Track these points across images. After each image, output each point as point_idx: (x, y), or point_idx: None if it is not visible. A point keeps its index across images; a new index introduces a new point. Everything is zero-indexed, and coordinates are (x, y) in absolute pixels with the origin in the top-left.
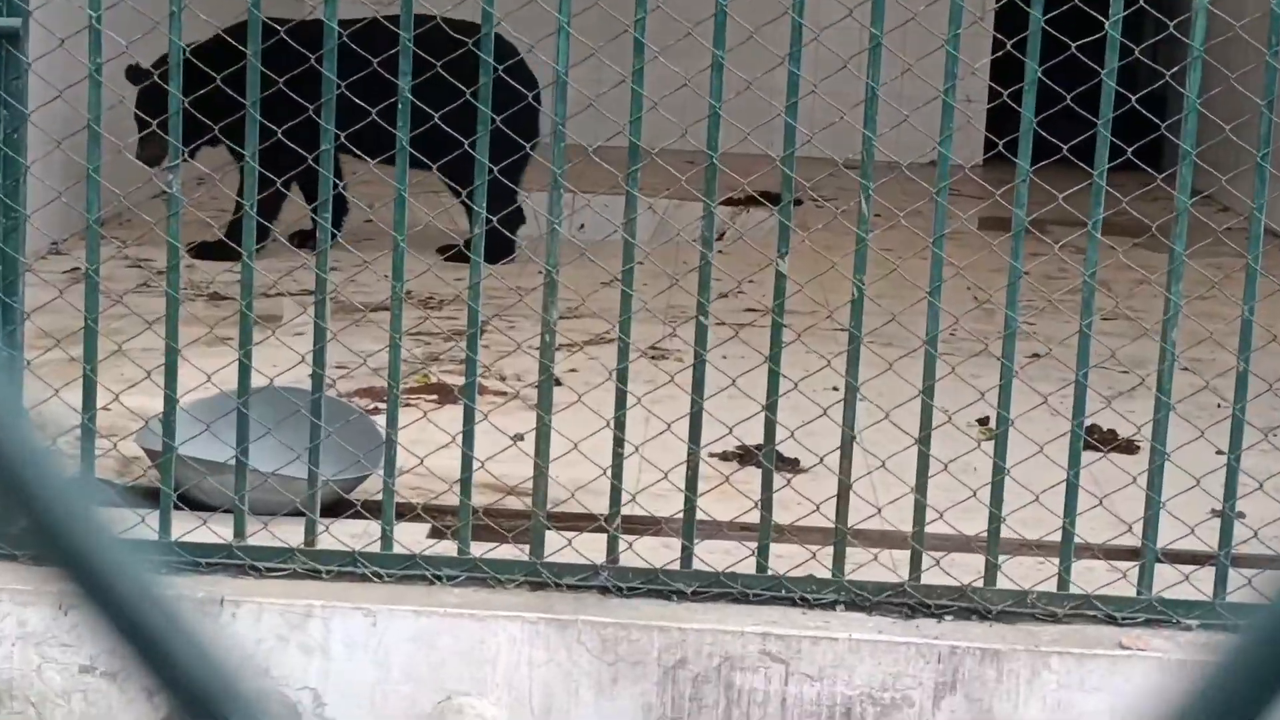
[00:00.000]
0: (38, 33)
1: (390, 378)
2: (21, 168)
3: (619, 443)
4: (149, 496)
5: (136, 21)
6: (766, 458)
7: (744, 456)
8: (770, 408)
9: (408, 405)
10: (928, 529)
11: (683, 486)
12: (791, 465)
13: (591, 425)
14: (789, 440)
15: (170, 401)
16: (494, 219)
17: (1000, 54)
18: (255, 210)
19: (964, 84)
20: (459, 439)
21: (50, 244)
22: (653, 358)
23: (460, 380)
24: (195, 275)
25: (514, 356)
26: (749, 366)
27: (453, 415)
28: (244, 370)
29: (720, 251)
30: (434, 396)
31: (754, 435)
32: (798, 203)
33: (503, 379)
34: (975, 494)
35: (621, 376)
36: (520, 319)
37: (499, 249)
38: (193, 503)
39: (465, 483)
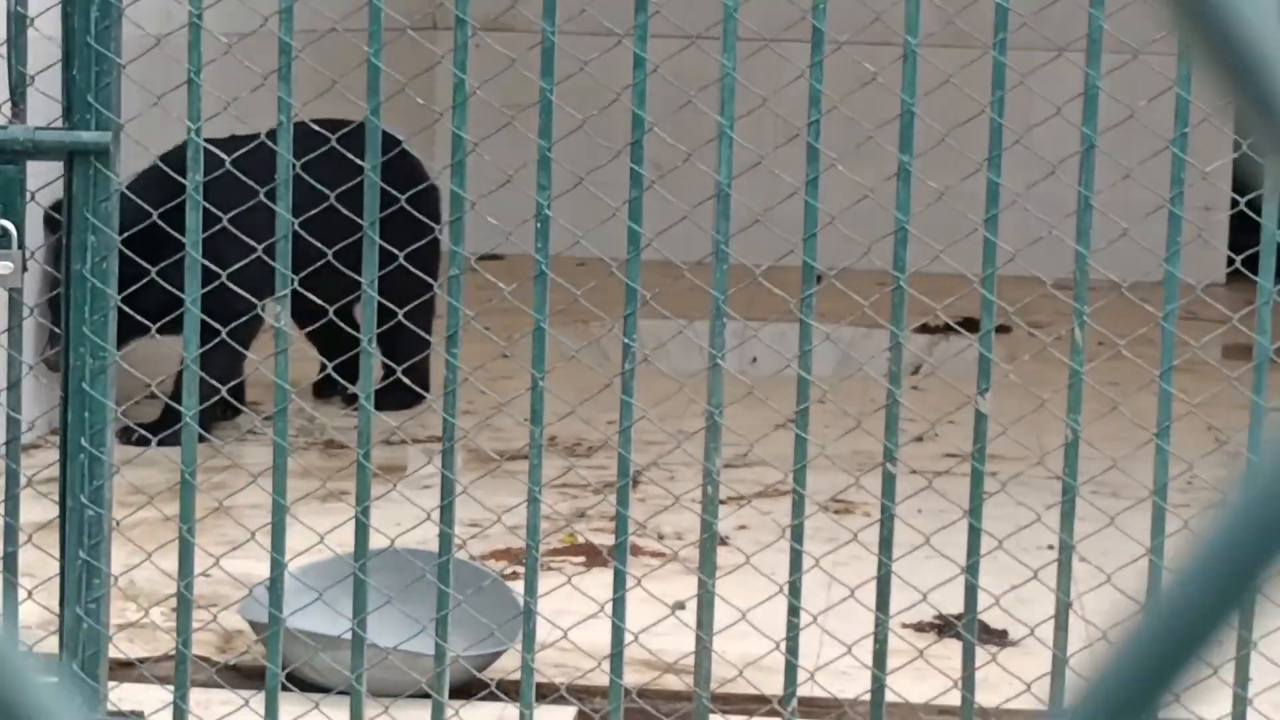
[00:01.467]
0: (130, 148)
1: (529, 537)
2: (109, 300)
3: (794, 611)
4: (253, 676)
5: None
6: (968, 628)
7: (942, 628)
8: (971, 569)
9: (550, 569)
10: (1163, 714)
11: (869, 662)
12: (999, 637)
13: (763, 591)
14: (994, 608)
15: (277, 566)
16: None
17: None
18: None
19: (1198, 190)
20: (609, 608)
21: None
22: (834, 512)
23: (610, 539)
24: (308, 421)
25: (672, 511)
26: (946, 521)
27: (602, 580)
28: (361, 529)
29: (913, 388)
30: (581, 558)
31: (953, 602)
32: (1003, 330)
33: (660, 538)
34: (1217, 672)
35: (797, 534)
36: (681, 468)
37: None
38: (303, 683)
39: (616, 658)
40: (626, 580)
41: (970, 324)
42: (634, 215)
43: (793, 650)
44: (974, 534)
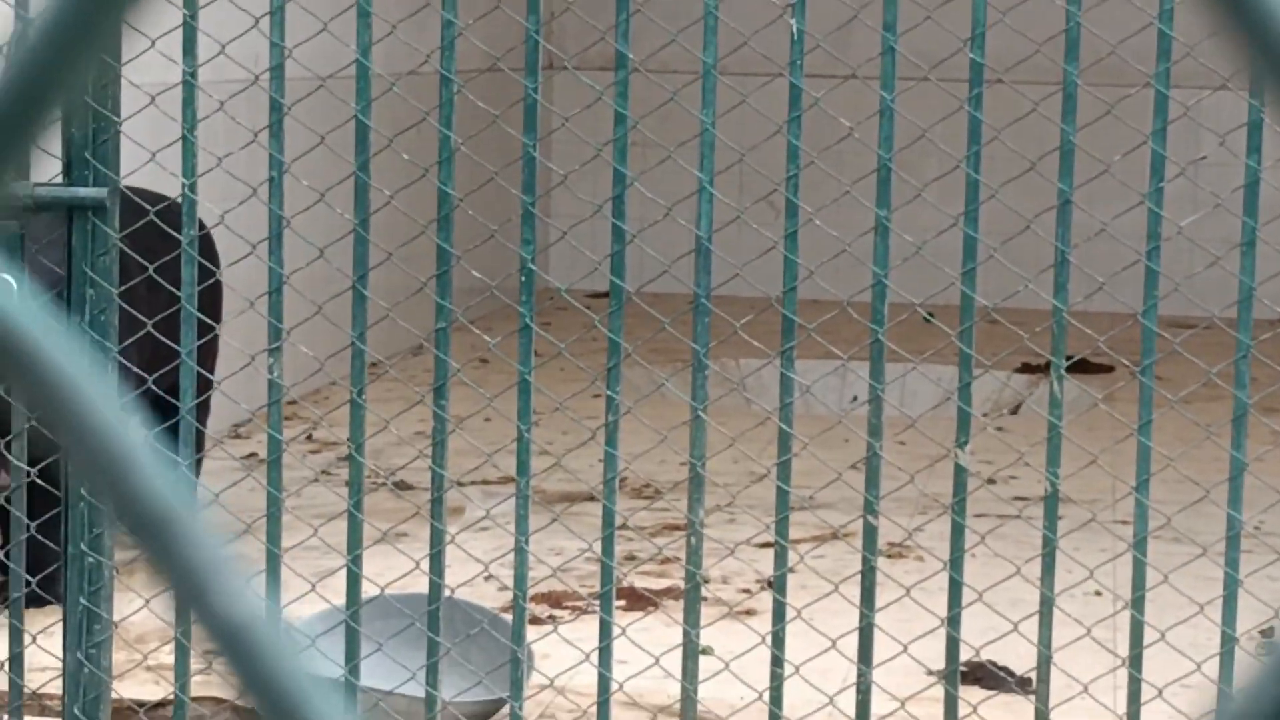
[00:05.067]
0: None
1: (516, 586)
2: (108, 354)
3: (777, 662)
4: None
5: (231, 188)
6: (950, 679)
7: (968, 674)
8: (953, 621)
9: (589, 612)
10: None
11: (852, 714)
12: (1023, 684)
13: (816, 643)
14: (1030, 653)
15: (273, 614)
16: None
17: None
18: None
19: None
20: (594, 656)
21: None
22: (889, 556)
23: (661, 583)
24: (382, 459)
25: (728, 556)
26: (996, 568)
27: (643, 625)
28: (352, 578)
29: (997, 429)
30: (621, 603)
31: (991, 650)
32: (1105, 369)
33: (705, 582)
34: None
35: (779, 584)
36: (742, 511)
37: None
38: None
39: (603, 706)
40: (611, 629)
41: (1078, 364)
42: (615, 268)
43: (776, 700)
44: (954, 586)
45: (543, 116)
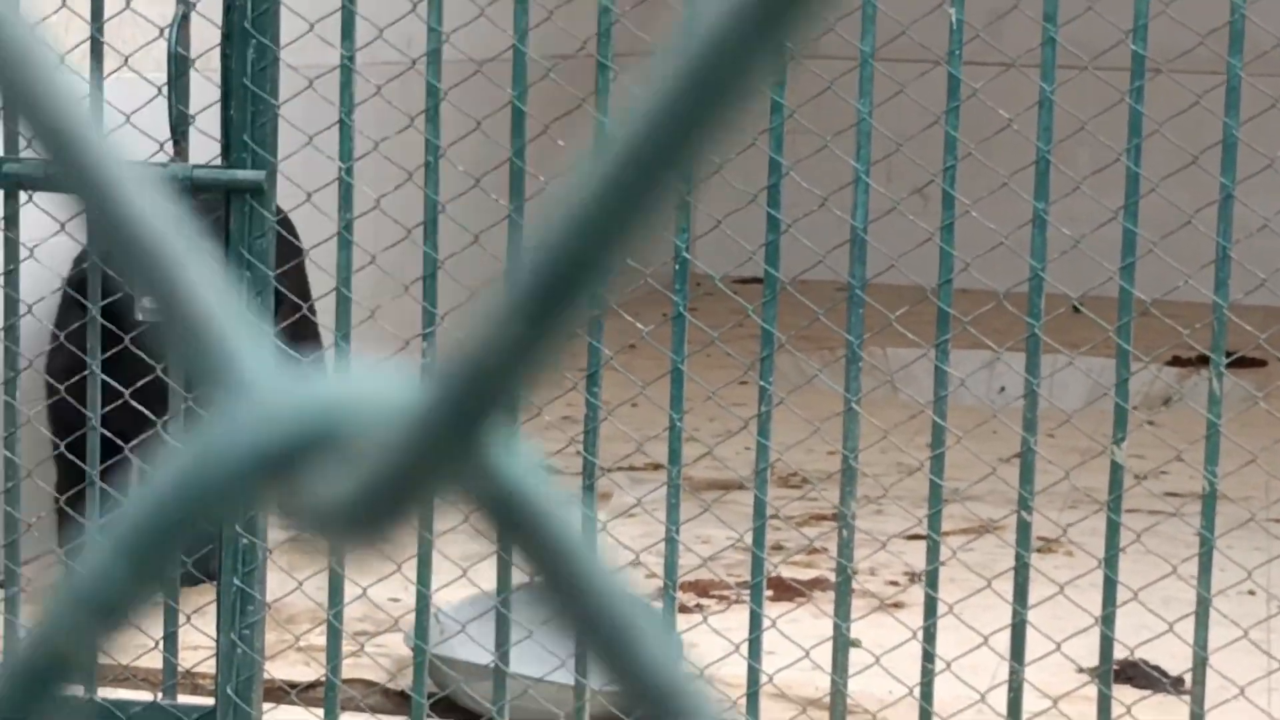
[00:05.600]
0: (284, 187)
1: (666, 575)
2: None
3: (928, 657)
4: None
5: (386, 172)
6: (1103, 679)
7: (1118, 672)
8: (1107, 620)
9: (740, 601)
10: None
11: (1004, 711)
12: (1176, 685)
13: (966, 638)
14: (1182, 652)
15: (422, 599)
16: None
17: None
18: None
19: None
20: (744, 648)
21: None
22: (1039, 551)
23: (808, 574)
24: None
25: (879, 550)
26: (1152, 566)
27: (792, 618)
28: (503, 564)
29: (1148, 423)
30: (769, 593)
31: (1144, 649)
32: (1258, 364)
33: (854, 573)
34: None
35: (931, 580)
36: (890, 502)
37: None
38: (469, 711)
39: (752, 698)
40: (761, 620)
41: (1241, 358)
42: (770, 257)
43: (927, 696)
44: (1109, 584)
45: None
